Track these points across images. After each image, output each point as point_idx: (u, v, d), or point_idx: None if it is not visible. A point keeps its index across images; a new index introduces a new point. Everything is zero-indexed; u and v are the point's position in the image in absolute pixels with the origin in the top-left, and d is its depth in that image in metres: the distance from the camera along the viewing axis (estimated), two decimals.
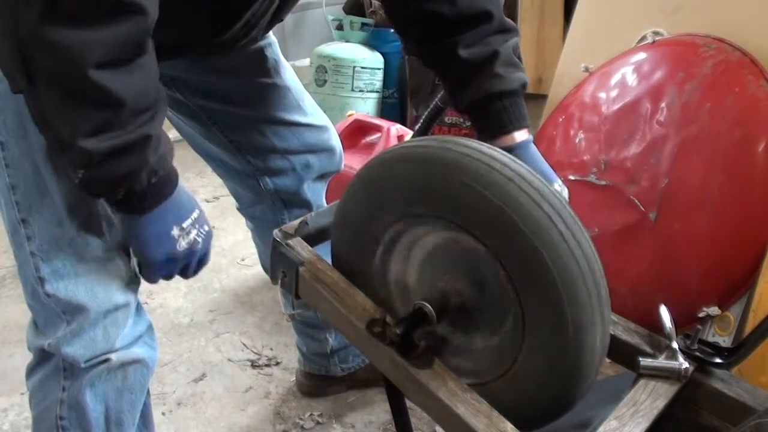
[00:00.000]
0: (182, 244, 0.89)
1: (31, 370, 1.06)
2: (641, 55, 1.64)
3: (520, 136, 1.01)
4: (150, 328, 1.07)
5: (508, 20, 1.03)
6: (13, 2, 0.69)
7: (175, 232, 0.88)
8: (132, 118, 0.76)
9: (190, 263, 0.93)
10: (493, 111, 1.00)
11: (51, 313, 0.97)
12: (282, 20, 1.05)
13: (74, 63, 0.70)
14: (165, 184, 0.85)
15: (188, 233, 0.89)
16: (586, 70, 1.79)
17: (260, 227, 1.39)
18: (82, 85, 0.71)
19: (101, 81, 0.71)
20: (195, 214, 0.90)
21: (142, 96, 0.77)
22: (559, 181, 1.02)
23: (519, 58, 1.03)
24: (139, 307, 1.04)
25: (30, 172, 0.90)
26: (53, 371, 1.02)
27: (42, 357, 1.03)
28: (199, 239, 0.91)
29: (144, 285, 1.03)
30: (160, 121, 0.82)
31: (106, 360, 1.00)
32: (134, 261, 0.96)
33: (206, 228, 0.92)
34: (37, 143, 0.89)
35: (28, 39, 0.70)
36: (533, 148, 1.02)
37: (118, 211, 0.89)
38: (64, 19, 0.68)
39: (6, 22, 0.70)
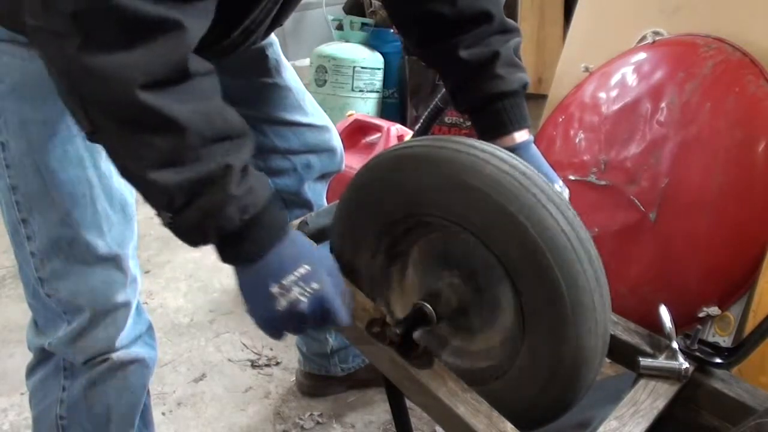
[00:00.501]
0: (282, 303, 0.78)
1: (31, 370, 1.06)
2: (641, 55, 1.64)
3: (521, 136, 1.01)
4: (150, 327, 1.07)
5: (510, 21, 1.03)
6: (58, 40, 0.68)
7: (275, 289, 0.78)
8: (204, 147, 0.72)
9: (298, 326, 0.82)
10: (493, 112, 0.99)
11: (51, 313, 0.97)
12: (281, 25, 1.05)
13: (120, 87, 0.68)
14: (263, 227, 0.78)
15: (289, 291, 0.78)
16: (586, 70, 1.79)
17: None
18: (134, 109, 0.68)
19: (151, 102, 0.68)
20: (303, 270, 0.79)
21: (205, 121, 0.72)
22: (560, 182, 1.02)
23: (520, 58, 1.03)
24: (139, 307, 1.04)
25: (31, 172, 0.90)
26: (53, 371, 1.02)
27: (42, 356, 1.03)
28: (303, 299, 0.78)
29: (143, 285, 1.04)
30: (245, 154, 0.76)
31: (107, 359, 1.00)
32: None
33: (315, 286, 0.79)
34: (38, 144, 0.89)
35: (75, 72, 0.69)
36: (534, 148, 1.02)
37: (227, 262, 0.81)
38: (100, 46, 0.67)
39: (60, 62, 0.70)
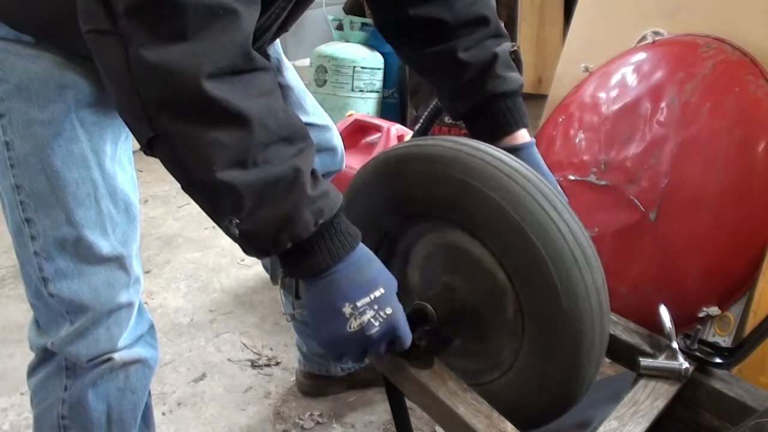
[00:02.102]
0: (353, 325, 0.75)
1: (32, 370, 1.06)
2: (641, 55, 1.65)
3: (523, 136, 1.02)
4: (151, 327, 1.07)
5: (502, 26, 1.04)
6: (119, 42, 0.67)
7: (347, 309, 0.75)
8: (272, 146, 0.70)
9: (366, 349, 0.79)
10: (497, 112, 1.00)
11: (54, 313, 0.97)
12: (287, 31, 1.05)
13: (186, 79, 0.66)
14: (336, 235, 0.75)
15: (362, 314, 0.75)
16: (586, 70, 1.79)
17: None
18: (200, 101, 0.67)
19: (217, 93, 0.67)
20: (377, 293, 0.77)
21: (269, 116, 0.70)
22: (558, 186, 1.03)
23: (515, 61, 1.04)
24: (140, 307, 1.04)
25: (35, 172, 0.90)
26: (55, 370, 1.02)
27: (44, 356, 1.03)
28: (376, 323, 0.76)
29: (143, 284, 1.04)
30: (310, 160, 0.74)
31: (109, 359, 1.00)
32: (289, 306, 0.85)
33: (388, 311, 0.77)
34: (42, 143, 0.89)
35: (138, 74, 0.67)
36: (536, 150, 1.02)
37: (294, 275, 0.79)
38: (161, 39, 0.66)
39: (121, 66, 0.68)
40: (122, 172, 0.97)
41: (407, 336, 0.80)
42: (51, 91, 0.88)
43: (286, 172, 0.70)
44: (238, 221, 0.71)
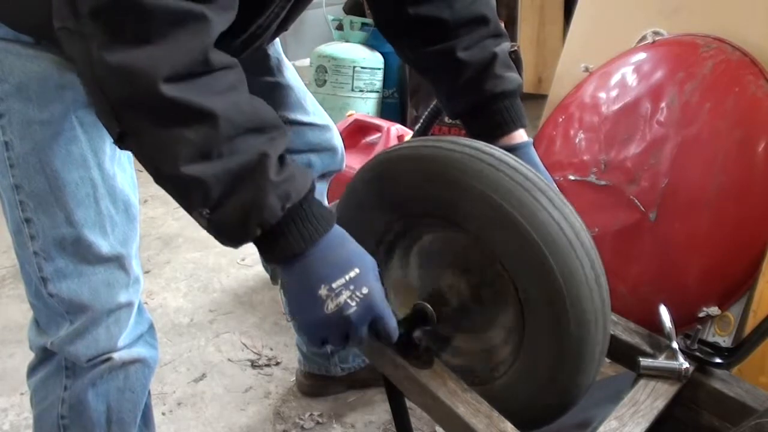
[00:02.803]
0: (329, 306, 0.75)
1: (32, 369, 1.07)
2: (641, 55, 1.64)
3: (521, 136, 1.02)
4: (151, 327, 1.07)
5: (501, 26, 1.04)
6: (83, 41, 0.68)
7: (323, 291, 0.75)
8: (239, 138, 0.70)
9: (347, 332, 0.78)
10: (495, 111, 1.00)
11: (54, 313, 0.97)
12: (287, 30, 1.05)
13: (144, 82, 0.67)
14: (307, 218, 0.75)
15: (338, 295, 0.75)
16: (586, 70, 1.79)
17: None
18: (160, 103, 0.67)
19: (175, 94, 0.67)
20: (353, 273, 0.76)
21: (235, 110, 0.71)
22: (555, 185, 1.03)
23: (515, 61, 1.04)
24: (140, 307, 1.04)
25: (35, 172, 0.90)
26: (55, 370, 1.02)
27: (44, 356, 1.03)
28: (352, 303, 0.75)
29: (143, 284, 1.04)
30: (280, 146, 0.74)
31: (109, 359, 1.00)
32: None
33: (364, 291, 0.76)
34: (41, 143, 0.89)
35: (101, 73, 0.68)
36: (533, 150, 1.03)
37: (270, 261, 0.79)
38: (123, 42, 0.67)
39: (86, 65, 0.69)
40: (122, 172, 0.97)
41: (390, 319, 0.80)
42: (50, 92, 0.88)
43: (251, 158, 0.71)
44: (208, 211, 0.72)
